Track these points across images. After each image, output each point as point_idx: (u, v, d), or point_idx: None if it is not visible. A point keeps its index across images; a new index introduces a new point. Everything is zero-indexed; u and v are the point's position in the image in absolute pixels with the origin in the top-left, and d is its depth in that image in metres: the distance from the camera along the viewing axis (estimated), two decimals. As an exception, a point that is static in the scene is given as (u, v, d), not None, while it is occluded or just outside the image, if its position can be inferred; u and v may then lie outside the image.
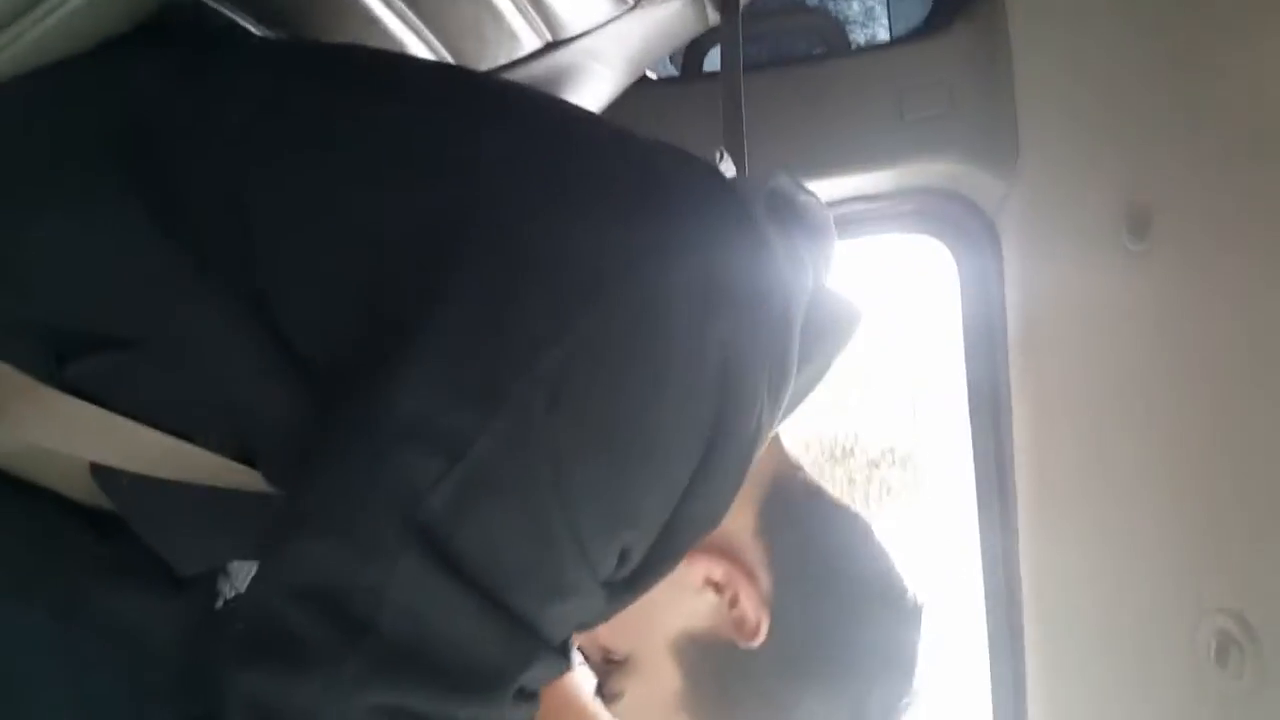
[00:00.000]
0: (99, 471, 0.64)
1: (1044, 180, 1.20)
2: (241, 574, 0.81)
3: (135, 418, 0.61)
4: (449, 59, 1.01)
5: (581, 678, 0.96)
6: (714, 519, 0.60)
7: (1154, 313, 0.96)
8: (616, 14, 1.06)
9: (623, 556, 0.57)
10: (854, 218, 1.38)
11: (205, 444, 0.62)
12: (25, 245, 0.61)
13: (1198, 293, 0.91)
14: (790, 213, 0.66)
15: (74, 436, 0.61)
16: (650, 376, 0.54)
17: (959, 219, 1.35)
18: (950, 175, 1.32)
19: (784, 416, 0.64)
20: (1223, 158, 0.87)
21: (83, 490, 0.66)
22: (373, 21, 0.92)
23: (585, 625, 0.60)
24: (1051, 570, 1.18)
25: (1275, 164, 0.82)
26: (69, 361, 0.60)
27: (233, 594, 0.83)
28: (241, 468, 0.62)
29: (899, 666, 0.71)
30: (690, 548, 0.60)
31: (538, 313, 0.54)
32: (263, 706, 0.50)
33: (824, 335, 0.66)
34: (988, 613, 1.27)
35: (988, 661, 1.27)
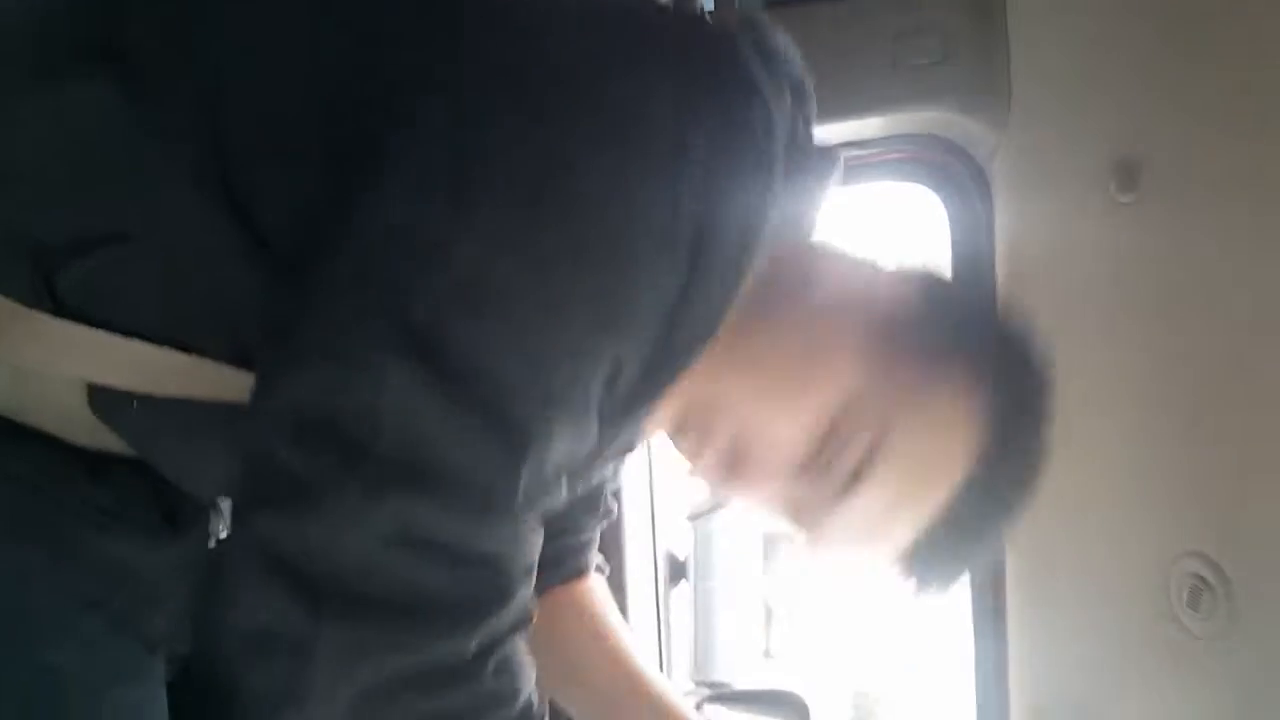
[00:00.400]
0: (100, 403, 0.63)
1: (1035, 131, 1.20)
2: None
3: (132, 335, 0.60)
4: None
5: (597, 584, 0.97)
6: (709, 330, 0.59)
7: (1138, 264, 0.97)
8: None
9: (613, 376, 0.56)
10: (845, 165, 1.38)
11: (205, 353, 0.61)
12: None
13: (1181, 246, 0.92)
14: (767, 50, 0.65)
15: (71, 358, 0.61)
16: (628, 181, 0.53)
17: (950, 167, 1.34)
18: (942, 124, 1.32)
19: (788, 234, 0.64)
20: (1212, 114, 0.88)
21: (78, 432, 0.66)
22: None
23: (574, 455, 0.58)
24: (1030, 517, 1.21)
25: (1263, 121, 0.82)
26: (57, 275, 0.59)
27: (225, 534, 0.84)
28: (244, 374, 0.61)
29: None
30: (690, 362, 0.60)
31: (510, 122, 0.53)
32: (275, 547, 0.50)
33: (808, 170, 0.67)
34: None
35: (969, 607, 1.30)
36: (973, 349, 0.68)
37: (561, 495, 0.58)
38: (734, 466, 0.66)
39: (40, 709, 0.66)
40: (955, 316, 0.69)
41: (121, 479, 0.69)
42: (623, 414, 0.61)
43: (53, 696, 0.66)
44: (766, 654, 8.05)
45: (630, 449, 0.76)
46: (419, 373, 0.50)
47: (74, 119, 0.59)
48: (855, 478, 0.64)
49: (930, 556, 0.68)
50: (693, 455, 0.68)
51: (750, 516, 0.71)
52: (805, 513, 0.67)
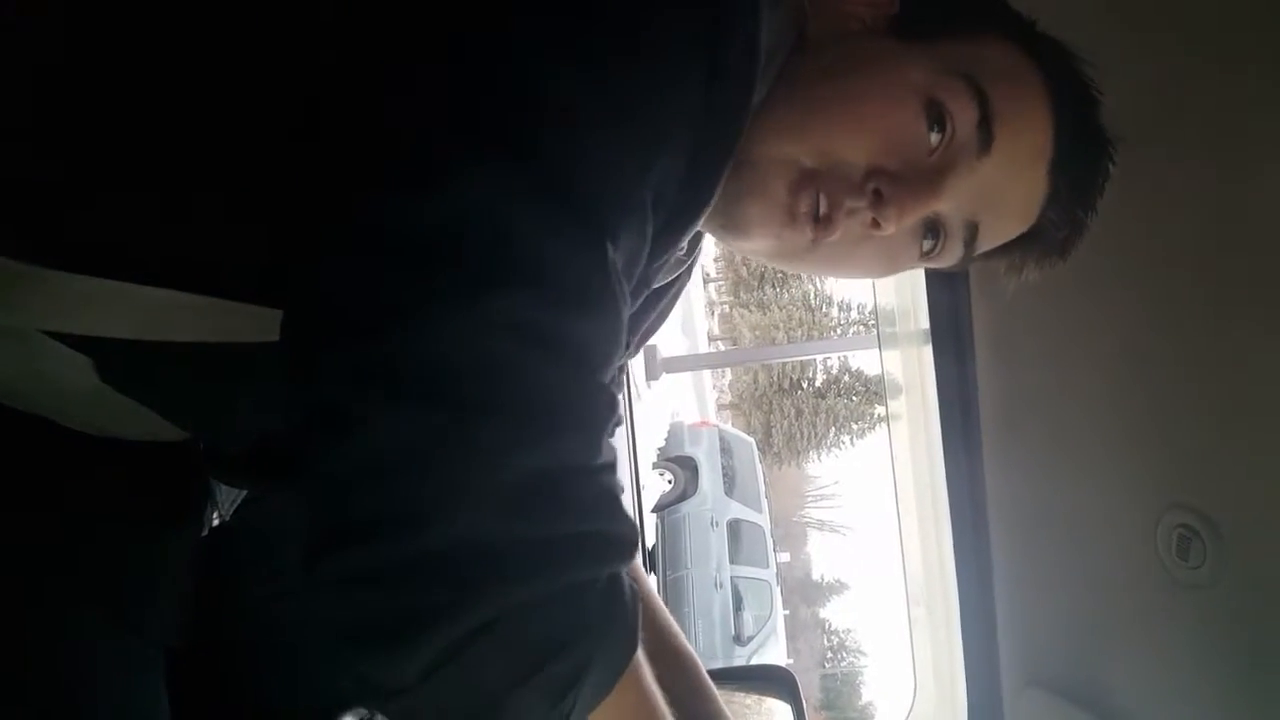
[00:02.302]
0: (112, 370, 0.62)
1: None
2: (228, 501, 0.80)
3: (144, 283, 0.58)
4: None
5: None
6: (735, 132, 0.60)
7: (1116, 220, 0.98)
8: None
9: (659, 192, 0.57)
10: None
11: (221, 293, 0.59)
12: None
13: (1158, 203, 0.93)
14: None
15: (85, 313, 0.59)
16: None
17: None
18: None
19: None
20: (1191, 69, 0.89)
21: (84, 416, 0.64)
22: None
23: (634, 263, 0.59)
24: (1015, 478, 1.22)
25: (1245, 88, 0.84)
26: (61, 226, 0.57)
27: (218, 522, 0.83)
28: (267, 310, 0.59)
29: None
30: (722, 169, 0.61)
31: None
32: (389, 368, 0.48)
33: None
34: (954, 523, 1.30)
35: (954, 561, 1.31)
36: (978, 11, 0.73)
37: (628, 308, 0.58)
38: (892, 183, 0.67)
39: (39, 705, 0.64)
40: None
41: (121, 469, 0.67)
42: (664, 234, 0.61)
43: (51, 692, 0.65)
44: (737, 640, 8.15)
45: (626, 347, 0.78)
46: (496, 173, 0.50)
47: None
48: (985, 130, 0.68)
49: (1068, 170, 0.72)
50: (846, 210, 0.68)
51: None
52: (966, 180, 0.69)
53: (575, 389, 0.52)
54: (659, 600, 0.99)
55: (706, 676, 0.97)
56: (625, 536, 0.54)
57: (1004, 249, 0.78)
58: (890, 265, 0.75)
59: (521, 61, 0.52)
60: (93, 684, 0.66)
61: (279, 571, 0.79)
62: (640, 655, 0.57)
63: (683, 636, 0.98)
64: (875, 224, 0.67)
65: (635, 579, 0.94)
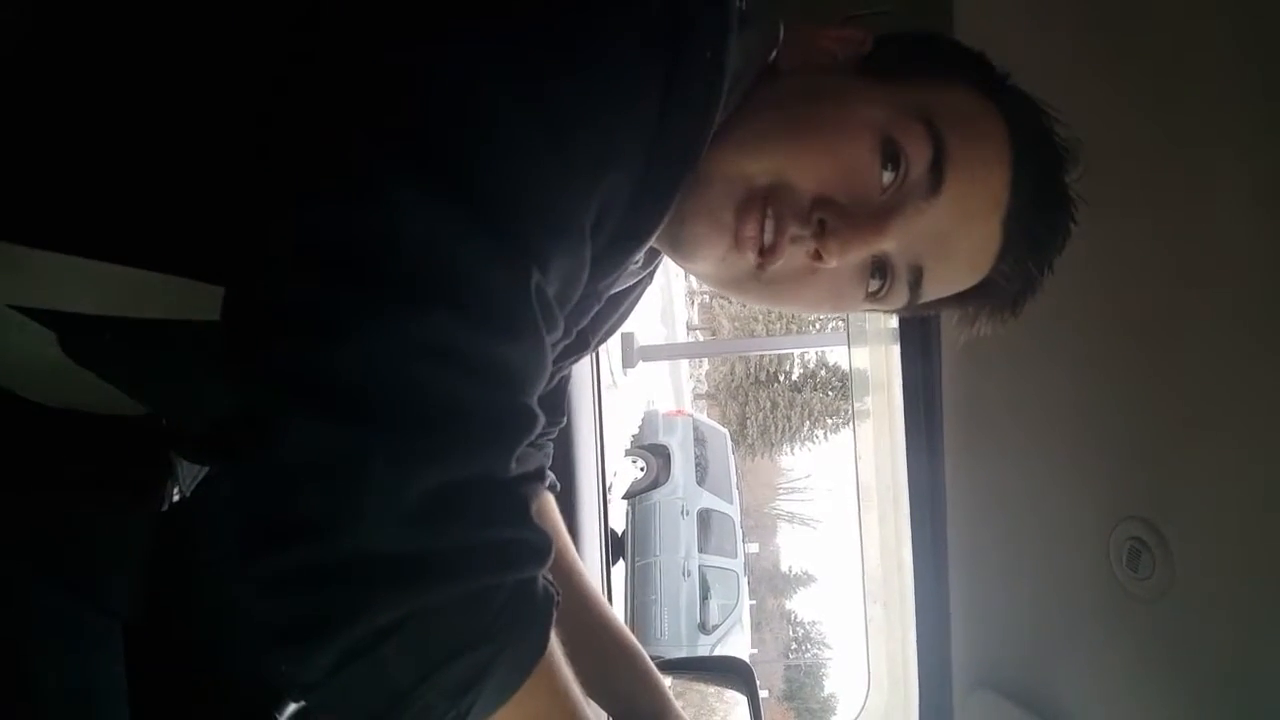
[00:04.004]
0: (73, 343, 0.62)
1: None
2: (189, 477, 0.80)
3: (104, 258, 0.58)
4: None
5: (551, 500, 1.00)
6: (693, 153, 0.60)
7: (1075, 242, 1.00)
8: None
9: (602, 213, 0.57)
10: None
11: (179, 271, 0.60)
12: None
13: (1117, 221, 0.94)
14: None
15: (47, 285, 0.59)
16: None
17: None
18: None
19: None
20: (1151, 101, 0.91)
21: (46, 388, 0.64)
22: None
23: (570, 286, 0.59)
24: (975, 485, 1.24)
25: (1199, 119, 0.85)
26: (20, 200, 0.57)
27: (178, 498, 0.83)
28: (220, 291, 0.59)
29: None
30: (676, 190, 0.61)
31: None
32: (311, 379, 0.49)
33: None
34: (913, 525, 1.32)
35: (912, 570, 1.33)
36: (949, 60, 0.74)
37: (560, 330, 0.58)
38: (838, 216, 0.67)
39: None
40: (919, 41, 0.74)
41: (83, 443, 0.67)
42: (609, 254, 0.62)
43: (6, 664, 0.65)
44: (702, 628, 8.20)
45: (585, 347, 0.82)
46: (429, 194, 0.50)
47: None
48: (937, 172, 0.68)
49: (1023, 225, 0.72)
50: (791, 238, 0.67)
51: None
52: (913, 221, 0.69)
53: (490, 410, 0.52)
54: (601, 599, 1.00)
55: (654, 670, 0.98)
56: (534, 543, 0.55)
57: (956, 299, 0.78)
58: (835, 303, 0.74)
59: (463, 82, 0.52)
60: (49, 656, 0.67)
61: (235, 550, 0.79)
62: (557, 657, 0.58)
63: (626, 631, 0.99)
64: (818, 255, 0.67)
65: (573, 581, 0.96)
